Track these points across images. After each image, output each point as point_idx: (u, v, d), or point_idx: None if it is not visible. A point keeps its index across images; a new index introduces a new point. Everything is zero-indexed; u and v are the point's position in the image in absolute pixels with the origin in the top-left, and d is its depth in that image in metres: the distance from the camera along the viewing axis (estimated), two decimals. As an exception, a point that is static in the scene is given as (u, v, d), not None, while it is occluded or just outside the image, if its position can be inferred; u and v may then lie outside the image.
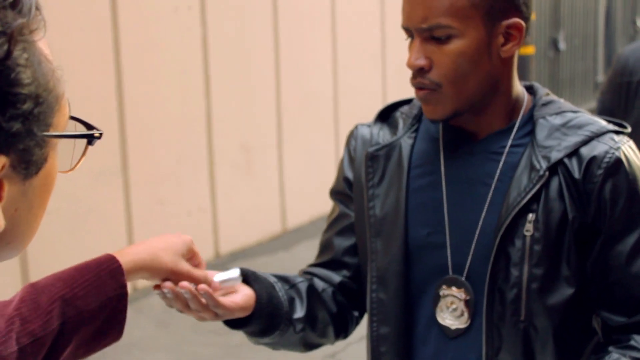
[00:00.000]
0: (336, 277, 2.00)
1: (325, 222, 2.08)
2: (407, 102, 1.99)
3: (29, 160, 0.91)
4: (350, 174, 1.98)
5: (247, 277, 1.80)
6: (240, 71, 6.81)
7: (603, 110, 3.60)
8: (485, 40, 1.73)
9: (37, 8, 0.92)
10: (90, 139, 1.02)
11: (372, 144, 1.93)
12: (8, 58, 0.86)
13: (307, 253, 6.78)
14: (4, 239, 0.94)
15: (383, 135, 1.94)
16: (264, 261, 6.73)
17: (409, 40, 1.78)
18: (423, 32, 1.71)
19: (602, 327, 1.82)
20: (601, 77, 12.97)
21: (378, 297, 1.90)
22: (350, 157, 1.98)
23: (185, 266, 1.59)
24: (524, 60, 8.50)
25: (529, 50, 8.73)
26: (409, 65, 1.73)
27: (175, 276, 1.59)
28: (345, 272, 2.00)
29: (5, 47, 0.86)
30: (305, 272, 2.03)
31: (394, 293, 1.88)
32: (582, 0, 12.22)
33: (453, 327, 1.82)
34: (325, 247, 2.05)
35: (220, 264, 6.64)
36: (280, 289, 1.86)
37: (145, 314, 5.72)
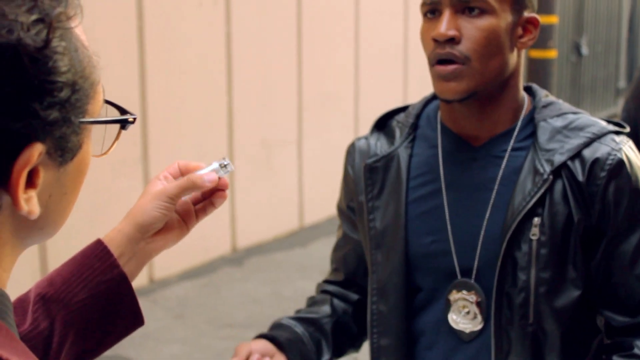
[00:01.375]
0: (353, 296, 2.04)
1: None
2: (403, 109, 1.99)
3: (64, 147, 0.92)
4: (351, 191, 1.98)
5: (280, 346, 1.88)
6: (262, 67, 6.83)
7: (628, 119, 3.59)
8: (511, 26, 1.75)
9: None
10: (124, 124, 1.02)
11: (370, 156, 1.93)
12: (47, 47, 0.87)
13: (323, 250, 6.80)
14: (37, 224, 0.94)
15: (380, 145, 1.93)
16: (281, 257, 6.75)
17: (427, 18, 1.77)
18: (457, 3, 1.72)
19: (605, 327, 1.83)
20: (623, 83, 12.93)
21: (378, 309, 1.91)
22: (350, 173, 1.98)
23: (173, 190, 1.37)
24: (546, 64, 8.47)
25: (552, 54, 8.70)
26: (439, 36, 1.71)
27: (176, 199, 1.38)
28: (360, 291, 2.04)
29: (44, 35, 0.86)
30: (323, 291, 2.08)
31: (394, 305, 1.89)
32: (606, 5, 12.18)
33: (467, 331, 1.82)
34: (335, 267, 2.10)
35: (237, 258, 6.67)
36: (309, 341, 1.95)
37: (161, 305, 5.75)
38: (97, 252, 1.36)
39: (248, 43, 6.65)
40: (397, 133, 1.93)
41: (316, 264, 6.55)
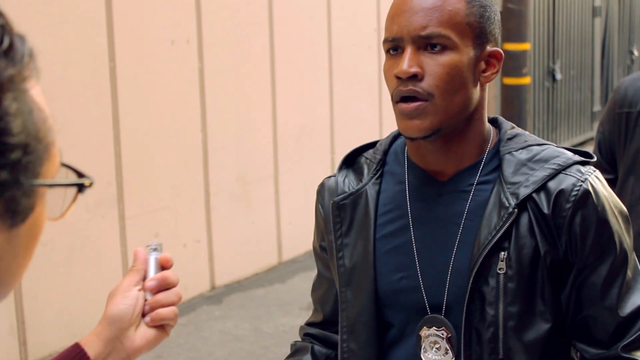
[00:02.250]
0: (334, 337, 2.03)
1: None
2: (371, 145, 1.98)
3: (15, 210, 0.89)
4: (322, 230, 1.99)
5: None
6: (236, 104, 6.82)
7: (603, 141, 3.61)
8: (473, 61, 1.75)
9: (31, 55, 0.91)
10: (81, 187, 1.00)
11: (339, 193, 1.92)
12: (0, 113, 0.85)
13: (303, 285, 6.78)
14: None
15: (349, 182, 1.93)
16: (260, 293, 6.71)
17: (390, 55, 1.77)
18: (419, 40, 1.71)
19: (580, 359, 1.83)
20: (598, 107, 13.01)
21: (349, 347, 1.91)
22: (320, 212, 1.99)
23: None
24: (520, 90, 8.51)
25: (526, 80, 8.74)
26: (401, 73, 1.71)
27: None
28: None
29: None
30: (305, 334, 2.09)
31: (365, 343, 1.88)
32: (578, 30, 12.27)
33: None
34: (315, 308, 2.10)
35: (216, 295, 6.63)
36: None
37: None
38: (74, 355, 1.37)
39: (221, 79, 6.64)
40: (365, 170, 1.93)
41: (296, 299, 6.52)
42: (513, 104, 8.39)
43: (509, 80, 8.51)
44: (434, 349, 1.80)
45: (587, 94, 12.83)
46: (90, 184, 1.00)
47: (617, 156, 3.60)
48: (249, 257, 7.07)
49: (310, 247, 7.95)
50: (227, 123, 6.73)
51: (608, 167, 3.63)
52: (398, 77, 1.72)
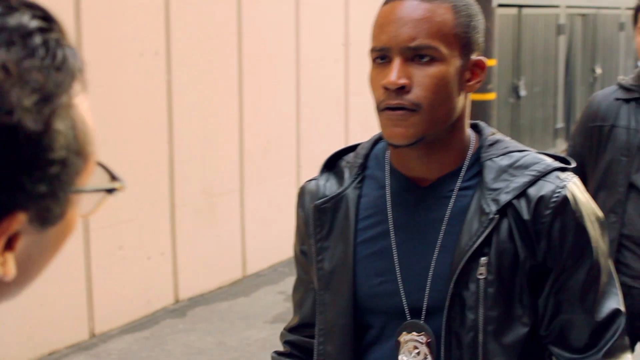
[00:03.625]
0: (312, 342, 2.03)
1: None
2: (352, 149, 1.99)
3: (47, 217, 0.90)
4: (302, 234, 1.99)
5: None
6: (203, 116, 6.81)
7: (574, 154, 3.65)
8: (459, 71, 1.76)
9: (81, 69, 0.92)
10: (111, 191, 1.00)
11: (319, 197, 1.92)
12: (47, 131, 0.85)
13: (267, 298, 6.77)
14: (11, 284, 0.92)
15: (330, 186, 1.93)
16: (224, 306, 6.69)
17: (377, 63, 1.76)
18: (408, 51, 1.71)
19: None
20: (561, 124, 13.12)
21: (325, 349, 1.92)
22: (301, 216, 1.99)
23: None
24: (485, 106, 8.56)
25: (491, 96, 8.80)
26: (390, 84, 1.70)
27: None
28: None
29: (46, 117, 0.85)
30: (285, 342, 2.10)
31: (341, 347, 1.89)
32: (543, 48, 12.38)
33: None
34: (294, 310, 2.11)
35: (180, 309, 6.60)
36: None
37: (102, 359, 5.65)
38: None
39: (189, 92, 6.63)
40: (346, 174, 1.93)
41: (260, 312, 6.51)
42: (477, 119, 8.45)
43: (474, 96, 8.49)
44: (413, 354, 1.81)
45: (550, 110, 12.94)
46: (121, 188, 1.01)
47: (587, 169, 3.65)
48: (214, 270, 7.05)
49: (275, 260, 7.93)
50: (193, 135, 6.71)
51: None
52: (385, 88, 1.72)
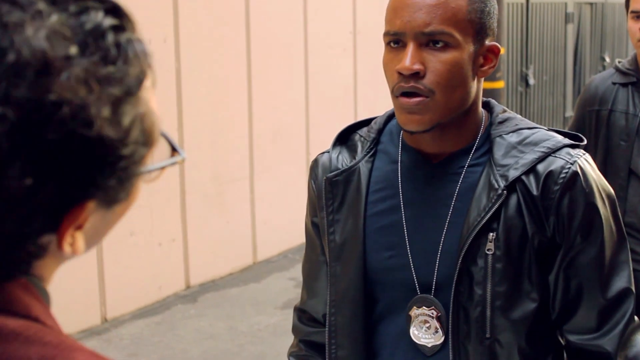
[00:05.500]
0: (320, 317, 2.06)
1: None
2: (365, 123, 2.00)
3: (114, 199, 0.94)
4: (314, 205, 2.00)
5: None
6: (213, 103, 6.83)
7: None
8: (473, 57, 1.76)
9: (150, 64, 0.95)
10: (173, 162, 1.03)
11: (332, 170, 1.94)
12: (124, 135, 0.89)
13: (277, 284, 6.80)
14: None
15: (342, 159, 1.94)
16: (235, 292, 6.72)
17: (390, 47, 1.77)
18: (422, 37, 1.71)
19: (565, 344, 1.87)
20: (570, 112, 13.08)
21: (336, 320, 1.93)
22: (313, 188, 2.00)
23: None
24: (494, 94, 8.56)
25: (500, 84, 8.79)
26: (404, 69, 1.71)
27: None
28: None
29: (122, 124, 0.88)
30: (300, 341, 2.11)
31: (352, 317, 1.91)
32: (551, 36, 12.35)
33: (430, 345, 1.84)
34: (303, 285, 2.12)
35: (191, 294, 6.63)
36: None
37: (115, 344, 5.69)
38: None
39: (198, 80, 6.65)
40: (359, 147, 1.94)
41: (270, 298, 6.53)
42: (486, 108, 8.45)
43: (483, 85, 8.57)
44: (424, 328, 1.83)
45: (560, 99, 12.91)
46: (183, 161, 1.04)
47: (588, 153, 3.65)
48: (224, 256, 7.08)
49: (285, 247, 7.91)
50: (203, 123, 6.74)
51: None
52: (400, 73, 1.73)
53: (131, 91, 0.91)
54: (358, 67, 8.46)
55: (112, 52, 0.89)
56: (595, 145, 3.59)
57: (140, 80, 0.92)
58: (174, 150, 1.03)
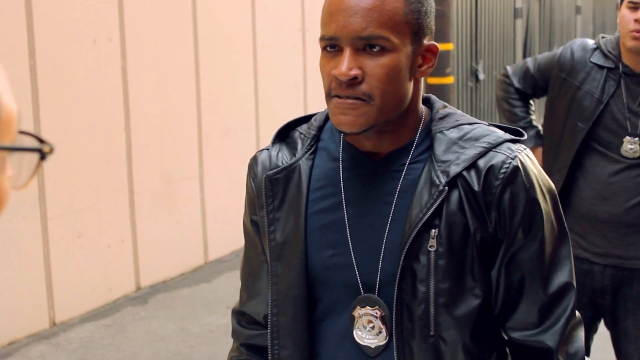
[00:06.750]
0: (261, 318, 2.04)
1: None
2: (305, 120, 1.98)
3: None
4: (253, 204, 1.97)
5: None
6: (160, 102, 6.76)
7: (532, 80, 3.73)
8: (411, 58, 1.74)
9: None
10: (42, 155, 0.96)
11: (272, 167, 1.91)
12: None
13: (229, 284, 6.75)
14: None
15: (282, 157, 1.91)
16: (186, 293, 6.67)
17: (327, 51, 1.74)
18: (359, 41, 1.68)
19: (507, 340, 1.87)
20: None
21: (278, 320, 1.90)
22: (252, 186, 1.97)
23: None
24: (444, 90, 8.59)
25: (449, 80, 8.82)
26: (341, 75, 1.68)
27: None
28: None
29: None
30: (241, 345, 2.09)
31: (294, 317, 1.88)
32: (500, 31, 12.44)
33: (373, 346, 1.82)
34: (242, 284, 2.12)
35: (142, 296, 6.57)
36: None
37: (63, 348, 5.62)
38: None
39: (145, 78, 6.58)
40: (299, 144, 1.91)
41: (222, 298, 6.49)
42: (437, 103, 8.48)
43: (433, 80, 8.57)
44: (368, 328, 1.81)
45: (509, 93, 12.98)
46: (51, 150, 0.97)
47: (534, 101, 3.82)
48: (175, 256, 7.02)
49: (236, 247, 7.89)
50: (151, 121, 6.67)
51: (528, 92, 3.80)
52: (336, 78, 1.70)
53: None
54: (307, 64, 8.44)
55: None
56: (550, 107, 3.58)
57: None
58: (40, 142, 0.96)
